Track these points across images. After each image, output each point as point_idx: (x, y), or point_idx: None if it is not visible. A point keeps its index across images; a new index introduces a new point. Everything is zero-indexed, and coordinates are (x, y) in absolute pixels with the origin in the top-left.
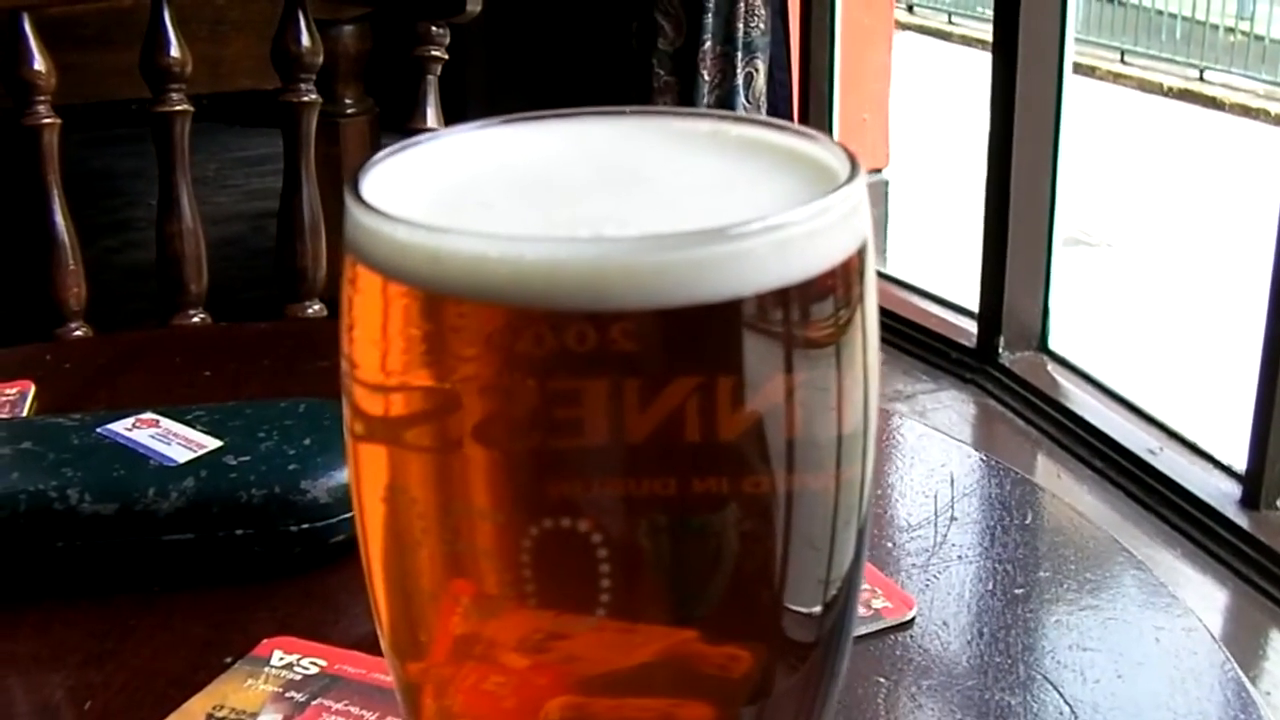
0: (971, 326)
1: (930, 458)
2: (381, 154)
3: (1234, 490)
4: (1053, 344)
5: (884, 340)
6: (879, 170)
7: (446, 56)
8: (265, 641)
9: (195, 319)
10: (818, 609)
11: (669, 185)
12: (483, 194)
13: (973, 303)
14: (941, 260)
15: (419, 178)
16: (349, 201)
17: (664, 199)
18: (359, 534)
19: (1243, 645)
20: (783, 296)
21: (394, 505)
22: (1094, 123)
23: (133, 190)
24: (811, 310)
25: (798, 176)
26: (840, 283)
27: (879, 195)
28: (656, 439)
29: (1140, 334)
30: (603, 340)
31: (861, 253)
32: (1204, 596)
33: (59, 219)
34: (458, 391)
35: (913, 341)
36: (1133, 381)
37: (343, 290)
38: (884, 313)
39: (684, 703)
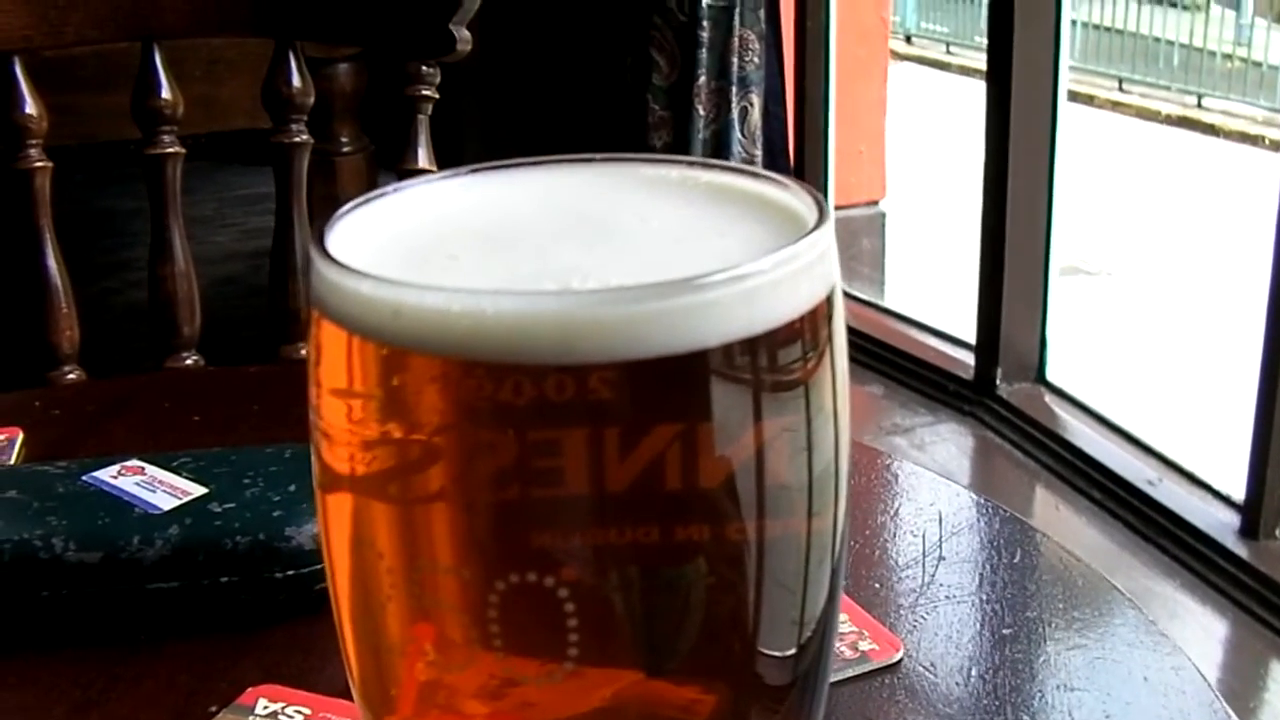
0: (969, 358)
1: (919, 496)
2: (348, 206)
3: (1233, 520)
4: (1050, 375)
5: (882, 373)
6: (875, 202)
7: (437, 96)
8: (250, 690)
9: (188, 361)
10: (792, 650)
11: (636, 235)
12: (449, 246)
13: (970, 335)
14: (939, 292)
15: (385, 230)
16: (314, 255)
17: (631, 249)
18: (329, 586)
19: (1243, 676)
20: (751, 345)
21: (360, 559)
22: (1093, 151)
23: (134, 230)
24: (779, 357)
25: (766, 224)
26: (808, 329)
27: (875, 227)
28: (623, 490)
29: (1138, 364)
30: (577, 392)
31: (830, 299)
32: (1204, 627)
33: (51, 262)
34: (421, 446)
35: (910, 374)
36: (1131, 412)
37: (309, 343)
38: (881, 345)
39: None
